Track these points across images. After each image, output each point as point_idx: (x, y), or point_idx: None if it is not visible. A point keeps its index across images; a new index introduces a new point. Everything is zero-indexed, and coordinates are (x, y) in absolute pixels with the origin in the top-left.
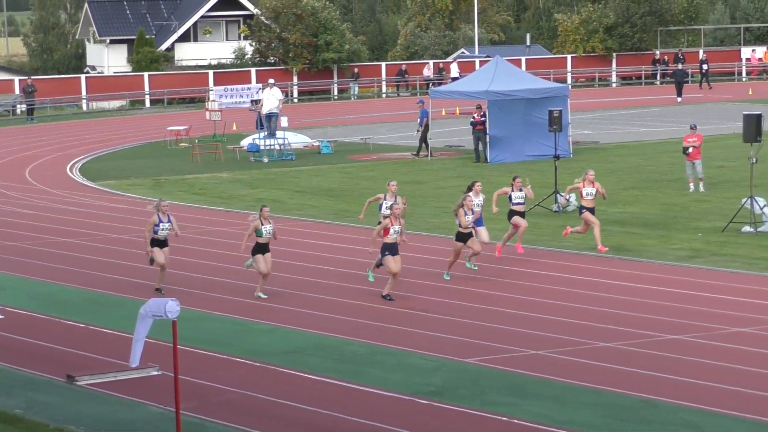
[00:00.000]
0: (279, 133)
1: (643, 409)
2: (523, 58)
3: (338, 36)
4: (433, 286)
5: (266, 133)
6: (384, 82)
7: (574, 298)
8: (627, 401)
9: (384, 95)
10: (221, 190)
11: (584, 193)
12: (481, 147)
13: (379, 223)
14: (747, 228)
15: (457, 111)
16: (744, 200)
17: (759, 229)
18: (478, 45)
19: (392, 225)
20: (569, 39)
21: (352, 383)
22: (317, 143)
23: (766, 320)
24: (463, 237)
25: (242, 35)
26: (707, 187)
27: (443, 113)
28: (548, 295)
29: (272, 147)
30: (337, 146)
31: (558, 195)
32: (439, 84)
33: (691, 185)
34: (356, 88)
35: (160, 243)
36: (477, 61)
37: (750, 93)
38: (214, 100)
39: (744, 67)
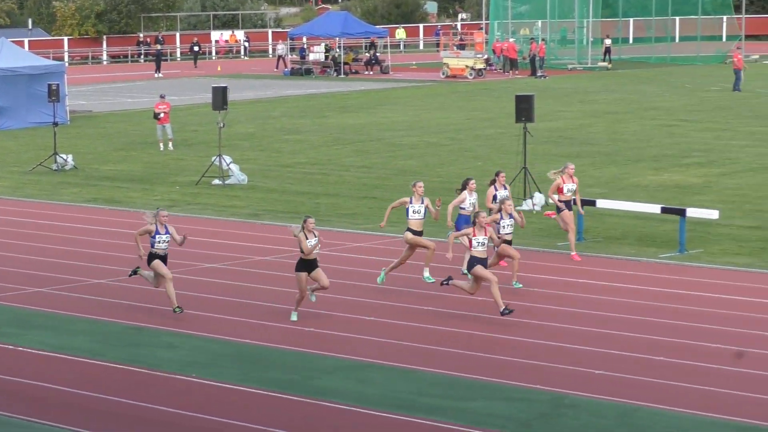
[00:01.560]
0: None
1: (130, 335)
2: (26, 40)
3: None
4: None
5: None
6: None
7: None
8: (117, 328)
9: None
10: None
11: (564, 189)
12: None
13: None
14: (216, 181)
15: None
16: (214, 158)
17: (226, 182)
18: None
19: (475, 236)
20: (66, 23)
21: None
22: None
23: (237, 258)
24: (505, 242)
25: None
26: (179, 146)
27: None
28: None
29: None
30: None
31: (56, 156)
32: None
33: (161, 145)
34: None
35: (161, 258)
36: None
37: (219, 69)
38: None
39: (214, 48)
